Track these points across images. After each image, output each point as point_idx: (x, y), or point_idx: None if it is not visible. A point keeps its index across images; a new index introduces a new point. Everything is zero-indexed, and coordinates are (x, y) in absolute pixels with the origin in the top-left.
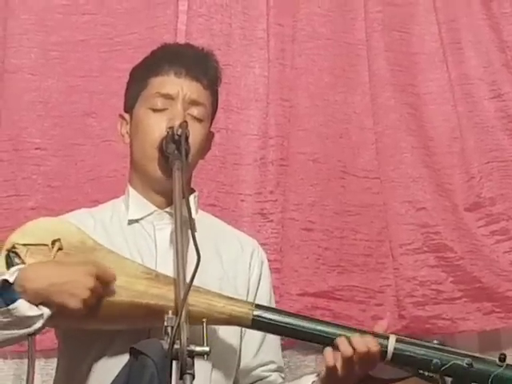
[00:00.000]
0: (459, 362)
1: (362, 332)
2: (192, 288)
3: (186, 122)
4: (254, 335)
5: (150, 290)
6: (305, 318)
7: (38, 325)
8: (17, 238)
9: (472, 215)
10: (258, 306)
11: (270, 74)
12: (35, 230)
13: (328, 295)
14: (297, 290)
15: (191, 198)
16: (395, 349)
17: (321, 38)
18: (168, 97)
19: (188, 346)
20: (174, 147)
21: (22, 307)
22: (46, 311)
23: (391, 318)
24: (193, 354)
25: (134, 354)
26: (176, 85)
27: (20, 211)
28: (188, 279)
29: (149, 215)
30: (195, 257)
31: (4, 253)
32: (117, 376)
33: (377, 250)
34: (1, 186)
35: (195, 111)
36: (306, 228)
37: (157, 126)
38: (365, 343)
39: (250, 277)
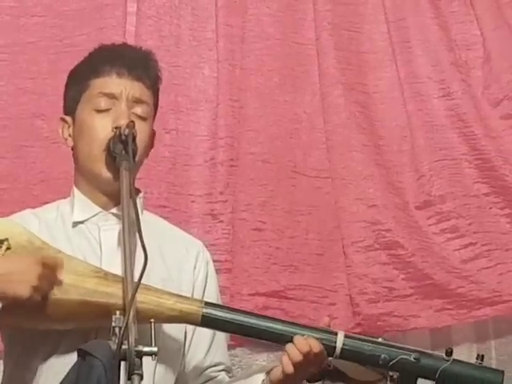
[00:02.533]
0: (407, 357)
1: (312, 329)
2: (142, 286)
3: (133, 121)
4: (202, 336)
5: (100, 287)
6: (254, 315)
7: None
8: None
9: (422, 213)
10: (208, 304)
11: (220, 74)
12: None
13: (280, 295)
14: (248, 290)
15: (137, 198)
16: (344, 345)
17: (270, 39)
18: (111, 96)
19: (136, 346)
20: (121, 147)
21: None
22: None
23: (345, 316)
24: (141, 355)
25: (82, 355)
26: (119, 85)
27: None
28: (136, 279)
29: (93, 216)
30: (142, 257)
31: None
32: (65, 377)
33: (329, 249)
34: None
35: (139, 110)
36: (257, 228)
37: (102, 127)
38: (307, 344)
39: (196, 278)
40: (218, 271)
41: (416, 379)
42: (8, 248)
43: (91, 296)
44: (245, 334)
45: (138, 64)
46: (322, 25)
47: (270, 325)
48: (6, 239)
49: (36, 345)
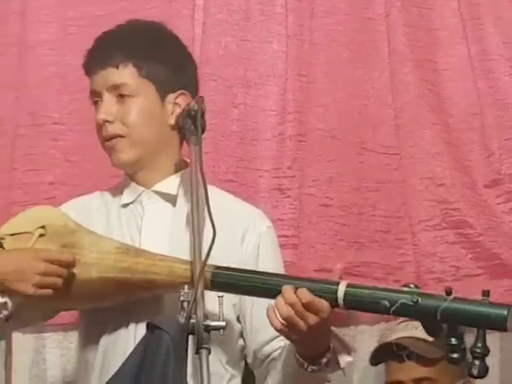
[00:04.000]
0: (406, 301)
1: (315, 281)
2: (152, 256)
3: (201, 97)
4: (261, 307)
5: (118, 263)
6: (260, 273)
7: (5, 312)
8: (5, 228)
9: (491, 192)
10: (217, 267)
11: (288, 49)
12: (23, 220)
13: (346, 271)
14: (314, 266)
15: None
16: (345, 294)
17: (339, 14)
18: (95, 93)
19: (204, 320)
20: (190, 122)
21: None
22: (10, 301)
23: None
24: (209, 329)
25: (151, 328)
26: (94, 81)
27: (39, 186)
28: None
29: (138, 196)
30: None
31: None
32: (133, 350)
33: (395, 226)
34: (19, 161)
35: (122, 92)
36: (324, 204)
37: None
38: (292, 294)
39: (245, 253)
40: (284, 246)
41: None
42: (41, 235)
43: (109, 272)
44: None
45: (100, 52)
46: (392, 1)
47: (271, 279)
48: (42, 226)
49: (105, 319)
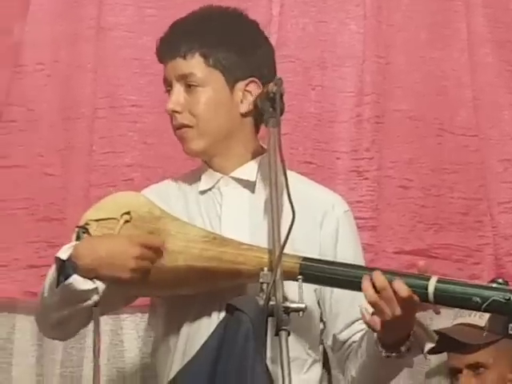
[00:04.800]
0: (498, 298)
1: (404, 275)
2: (238, 245)
3: (280, 78)
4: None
5: (204, 252)
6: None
7: (96, 298)
8: (91, 214)
9: None
10: (306, 259)
11: (366, 30)
12: (108, 205)
13: (425, 253)
14: (393, 248)
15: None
16: (436, 289)
17: None
18: (168, 83)
19: (283, 302)
20: (268, 105)
21: (76, 282)
22: (101, 284)
23: (488, 276)
24: (288, 311)
25: (230, 310)
26: (166, 70)
27: (116, 168)
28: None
29: (216, 183)
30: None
31: (76, 229)
32: (213, 332)
33: (474, 208)
34: (97, 143)
35: (189, 82)
36: (403, 186)
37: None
38: (383, 281)
39: (323, 238)
40: (362, 228)
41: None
42: (127, 221)
43: (195, 261)
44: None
45: (169, 42)
46: None
47: (359, 271)
48: (128, 212)
49: (186, 305)
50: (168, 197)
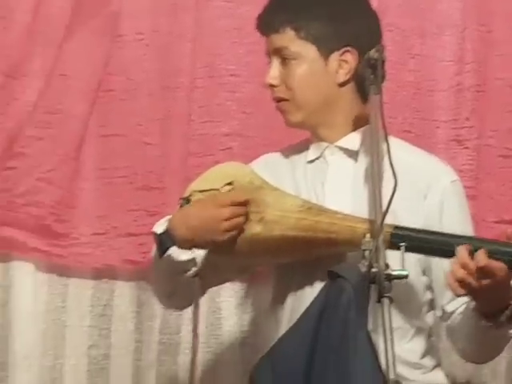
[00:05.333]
0: None
1: (494, 242)
2: (333, 215)
3: (382, 45)
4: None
5: (300, 222)
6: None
7: (195, 268)
8: (195, 185)
9: None
10: (397, 228)
11: None
12: (211, 176)
13: None
14: (493, 218)
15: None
16: None
17: None
18: (268, 56)
19: (385, 269)
20: (369, 72)
21: (175, 254)
22: (199, 253)
23: None
24: (390, 278)
25: (332, 277)
26: (266, 43)
27: (215, 137)
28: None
29: (322, 152)
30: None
31: (179, 201)
32: (314, 299)
33: None
34: (196, 112)
35: (284, 55)
36: (503, 155)
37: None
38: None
39: (428, 210)
40: None
41: None
42: (228, 191)
43: (291, 231)
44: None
45: (265, 17)
46: None
47: (450, 240)
48: (230, 182)
49: (288, 279)
50: (276, 167)
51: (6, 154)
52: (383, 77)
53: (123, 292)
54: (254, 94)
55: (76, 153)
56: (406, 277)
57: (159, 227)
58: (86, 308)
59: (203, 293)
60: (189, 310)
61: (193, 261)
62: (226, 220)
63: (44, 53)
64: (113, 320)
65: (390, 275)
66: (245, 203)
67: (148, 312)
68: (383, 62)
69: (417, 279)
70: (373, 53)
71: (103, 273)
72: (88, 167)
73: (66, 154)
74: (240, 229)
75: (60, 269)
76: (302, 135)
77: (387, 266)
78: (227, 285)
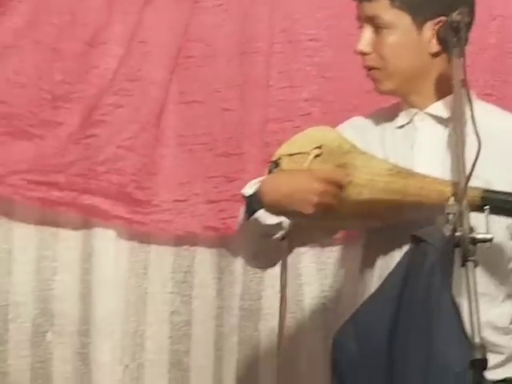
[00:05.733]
0: None
1: None
2: (422, 178)
3: (465, 8)
4: None
5: (389, 186)
6: None
7: (282, 231)
8: (283, 149)
9: None
10: (487, 191)
11: None
12: (299, 140)
13: None
14: None
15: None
16: None
17: None
18: (360, 22)
19: (470, 232)
20: (452, 34)
21: (262, 217)
22: (285, 219)
23: None
24: (475, 241)
25: (415, 241)
26: (358, 9)
27: (294, 102)
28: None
29: (412, 118)
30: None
31: (269, 165)
32: (398, 263)
33: None
34: (275, 78)
35: (377, 24)
36: None
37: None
38: None
39: None
40: None
41: None
42: (317, 155)
43: (380, 194)
44: None
45: None
46: None
47: None
48: (319, 147)
49: (377, 243)
50: (364, 131)
51: (86, 122)
52: (466, 40)
53: (204, 258)
54: (334, 58)
55: (156, 120)
56: (490, 240)
57: (249, 189)
58: (167, 275)
59: (289, 253)
60: (270, 276)
61: (280, 225)
62: (318, 195)
63: (123, 20)
64: (194, 286)
65: (474, 239)
66: (340, 184)
67: (229, 278)
68: (468, 25)
69: (506, 244)
70: (455, 15)
71: (184, 240)
72: (168, 134)
73: (147, 121)
74: (328, 207)
75: (141, 236)
76: (383, 100)
77: (472, 229)
78: (308, 250)
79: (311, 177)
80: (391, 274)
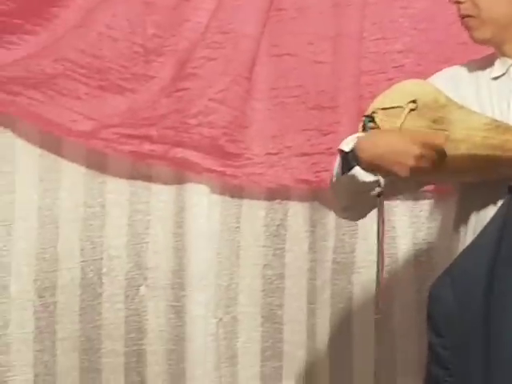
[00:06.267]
0: None
1: None
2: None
3: None
4: None
5: (487, 141)
6: None
7: (379, 188)
8: (377, 102)
9: None
10: None
11: None
12: (394, 93)
13: None
14: None
15: None
16: None
17: None
18: None
19: None
20: None
21: (359, 174)
22: (382, 178)
23: None
24: None
25: None
26: None
27: (387, 54)
28: None
29: (508, 69)
30: None
31: (362, 118)
32: (495, 215)
33: None
34: (368, 30)
35: None
36: None
37: None
38: None
39: None
40: None
41: None
42: (412, 110)
43: (477, 149)
44: None
45: None
46: None
47: None
48: (414, 101)
49: (471, 199)
50: (458, 82)
51: (178, 76)
52: None
53: (296, 212)
54: (427, 9)
55: (248, 73)
56: None
57: (346, 145)
58: (259, 228)
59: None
60: (363, 229)
61: (377, 182)
62: (415, 159)
63: None
64: (286, 240)
65: None
66: (441, 150)
67: (322, 232)
68: None
69: None
70: None
71: (276, 193)
72: (260, 87)
73: (238, 74)
74: (424, 171)
75: (233, 190)
76: (477, 50)
77: None
78: (401, 204)
79: (410, 139)
80: (487, 225)
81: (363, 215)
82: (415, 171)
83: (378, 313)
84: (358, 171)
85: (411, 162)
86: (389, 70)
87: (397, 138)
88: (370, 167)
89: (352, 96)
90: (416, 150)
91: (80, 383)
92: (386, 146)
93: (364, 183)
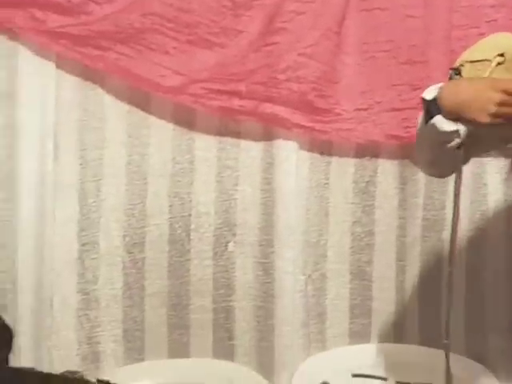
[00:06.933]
0: None
1: None
2: None
3: None
4: None
5: None
6: None
7: (458, 139)
8: (465, 55)
9: None
10: None
11: None
12: (483, 46)
13: None
14: None
15: None
16: None
17: None
18: None
19: None
20: None
21: (439, 123)
22: (462, 127)
23: None
24: None
25: None
26: None
27: (480, 8)
28: None
29: None
30: None
31: (449, 71)
32: None
33: None
34: None
35: None
36: None
37: None
38: None
39: None
40: None
41: None
42: (499, 63)
43: None
44: None
45: None
46: None
47: None
48: (502, 54)
49: None
50: None
51: (267, 30)
52: None
53: (386, 169)
54: None
55: (338, 27)
56: None
57: (429, 94)
58: (348, 185)
59: (465, 162)
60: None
61: (456, 132)
62: (496, 105)
63: None
64: (376, 197)
65: None
66: None
67: (412, 189)
68: None
69: None
70: None
71: (366, 150)
72: (350, 42)
73: (328, 28)
74: (506, 117)
75: (322, 146)
76: None
77: None
78: (492, 160)
79: (491, 86)
80: None
81: (448, 172)
82: (496, 118)
83: (451, 267)
84: (438, 120)
85: (492, 109)
86: (481, 25)
87: (478, 85)
88: (451, 115)
89: (443, 50)
90: (497, 97)
91: (168, 339)
92: (467, 93)
93: (444, 133)
